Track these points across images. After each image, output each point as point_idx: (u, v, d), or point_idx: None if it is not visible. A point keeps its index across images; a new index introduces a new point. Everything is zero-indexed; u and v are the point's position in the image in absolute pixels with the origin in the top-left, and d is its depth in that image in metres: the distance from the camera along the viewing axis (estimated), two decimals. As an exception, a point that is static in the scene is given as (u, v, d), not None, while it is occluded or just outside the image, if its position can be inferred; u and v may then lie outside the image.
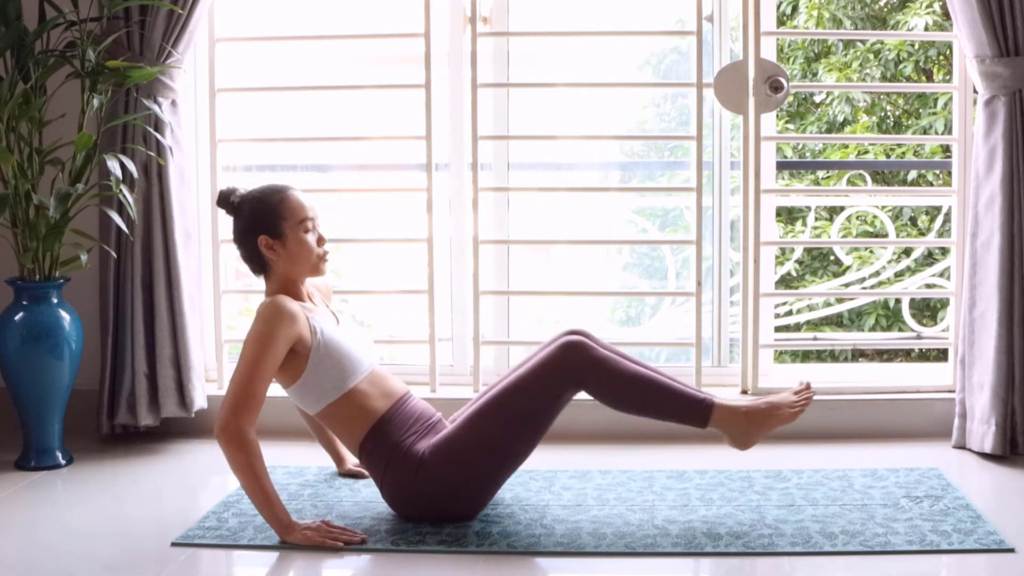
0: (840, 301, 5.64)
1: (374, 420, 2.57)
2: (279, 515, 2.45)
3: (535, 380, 2.55)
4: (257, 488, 2.43)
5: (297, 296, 2.61)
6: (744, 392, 3.41)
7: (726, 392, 3.44)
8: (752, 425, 2.56)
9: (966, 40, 3.12)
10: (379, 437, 2.56)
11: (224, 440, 2.41)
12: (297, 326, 2.49)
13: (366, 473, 2.80)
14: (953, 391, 3.28)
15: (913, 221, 6.82)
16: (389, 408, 2.59)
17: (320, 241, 2.62)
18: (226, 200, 2.64)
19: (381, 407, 2.58)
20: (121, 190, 3.03)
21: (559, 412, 2.60)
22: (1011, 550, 2.36)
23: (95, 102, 3.06)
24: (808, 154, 7.37)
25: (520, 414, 2.54)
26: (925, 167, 7.08)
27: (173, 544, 2.47)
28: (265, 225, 2.57)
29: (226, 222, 3.50)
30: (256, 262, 2.62)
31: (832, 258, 6.81)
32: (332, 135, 3.93)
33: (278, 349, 2.46)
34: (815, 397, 3.32)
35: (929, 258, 6.17)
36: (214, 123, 3.48)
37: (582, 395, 2.57)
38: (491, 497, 2.61)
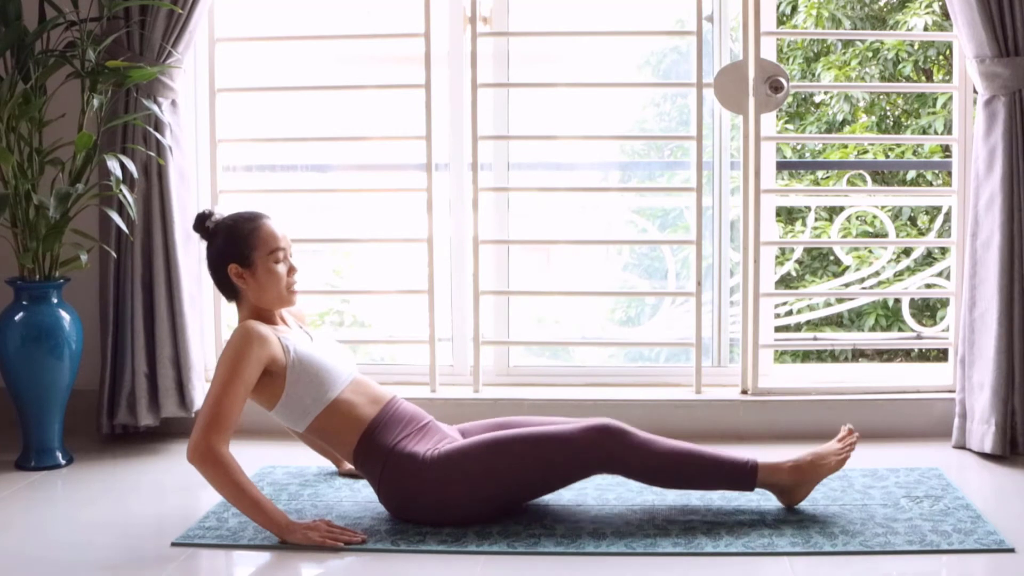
0: (840, 301, 5.64)
1: (364, 426, 2.57)
2: (274, 518, 2.44)
3: (567, 444, 2.53)
4: (243, 499, 2.43)
5: (269, 321, 2.62)
6: (744, 392, 3.41)
7: (724, 392, 3.45)
8: (799, 479, 2.59)
9: (966, 40, 3.12)
10: (372, 442, 2.56)
11: (197, 461, 2.43)
12: (268, 347, 2.50)
13: (365, 473, 2.81)
14: (953, 391, 3.28)
15: (913, 221, 6.82)
16: (378, 413, 2.59)
17: (291, 271, 2.62)
18: (201, 224, 2.65)
19: (370, 413, 2.59)
20: (121, 190, 3.03)
21: (576, 481, 2.62)
22: (1011, 550, 2.37)
23: (95, 102, 3.06)
24: (808, 154, 7.38)
25: (537, 468, 2.54)
26: (925, 167, 7.08)
27: (173, 544, 2.47)
28: (235, 254, 2.58)
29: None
30: (227, 289, 2.63)
31: (832, 258, 6.81)
32: (332, 135, 3.93)
33: (249, 370, 2.47)
34: (816, 398, 3.36)
35: (929, 258, 6.17)
36: (214, 123, 3.48)
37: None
38: (482, 521, 2.57)
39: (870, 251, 6.05)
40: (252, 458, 2.96)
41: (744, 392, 3.42)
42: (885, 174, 7.19)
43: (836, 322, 6.67)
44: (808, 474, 2.59)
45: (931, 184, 6.89)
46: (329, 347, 2.68)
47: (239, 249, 2.58)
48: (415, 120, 3.44)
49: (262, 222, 2.62)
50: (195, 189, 3.46)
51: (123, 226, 3.14)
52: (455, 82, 3.55)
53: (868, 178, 5.29)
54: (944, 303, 5.88)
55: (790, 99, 7.17)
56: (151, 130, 3.23)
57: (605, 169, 4.56)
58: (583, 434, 2.53)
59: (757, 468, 2.56)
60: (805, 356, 5.97)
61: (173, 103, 3.30)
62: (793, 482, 2.59)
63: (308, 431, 2.60)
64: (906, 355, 6.25)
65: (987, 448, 3.08)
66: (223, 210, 2.69)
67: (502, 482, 2.54)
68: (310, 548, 2.42)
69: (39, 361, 3.07)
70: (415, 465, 2.52)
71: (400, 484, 2.53)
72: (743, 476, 2.56)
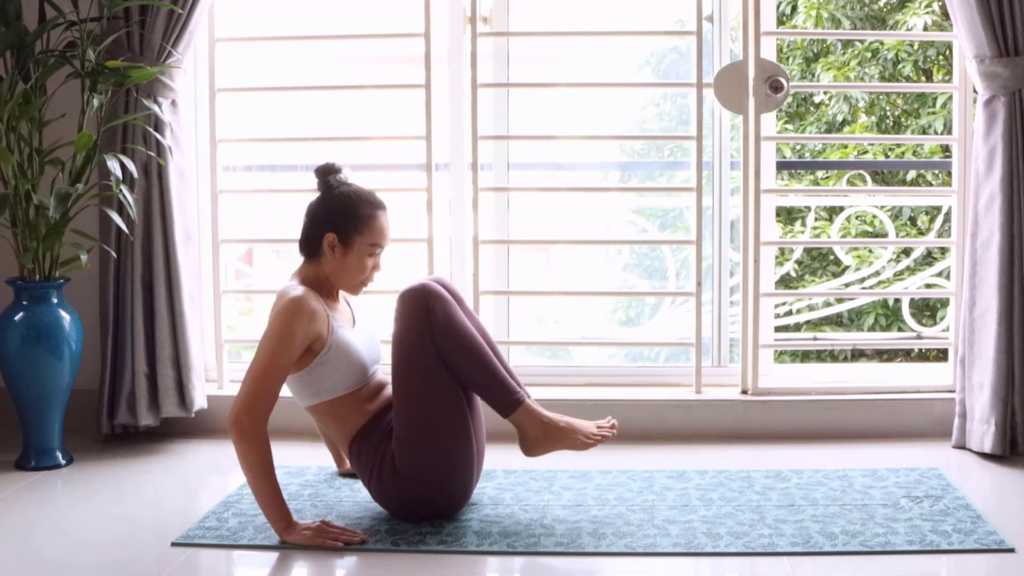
0: (840, 301, 5.64)
1: (363, 423, 2.58)
2: (282, 514, 2.45)
3: (403, 336, 2.51)
4: (264, 485, 2.43)
5: (326, 293, 2.61)
6: (744, 392, 3.41)
7: (724, 392, 3.45)
8: (547, 435, 2.56)
9: (965, 40, 3.12)
10: (367, 440, 2.57)
11: (236, 434, 2.41)
12: (317, 323, 2.50)
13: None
14: (953, 391, 3.28)
15: (913, 221, 6.82)
16: (378, 412, 2.60)
17: (375, 268, 2.63)
18: (326, 175, 2.62)
19: (371, 410, 2.60)
20: (121, 190, 3.03)
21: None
22: (1011, 550, 2.37)
23: (95, 102, 3.06)
24: (808, 154, 7.38)
25: (419, 373, 2.50)
26: (925, 167, 7.08)
27: (173, 544, 2.47)
28: (342, 226, 2.57)
29: (226, 222, 3.53)
30: (311, 246, 2.61)
31: (832, 258, 6.81)
32: (332, 135, 3.92)
33: (295, 346, 2.47)
34: (816, 398, 3.36)
35: (929, 258, 6.17)
36: (214, 123, 3.48)
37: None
38: (472, 467, 2.57)
39: (870, 251, 6.05)
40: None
41: (744, 392, 3.42)
42: (885, 174, 7.19)
43: (836, 322, 6.67)
44: (553, 437, 2.55)
45: (931, 184, 6.89)
46: (366, 341, 2.68)
47: (348, 225, 2.57)
48: (415, 120, 3.44)
49: (380, 213, 2.61)
50: (195, 189, 3.46)
51: (123, 226, 3.14)
52: (455, 82, 3.55)
53: (868, 178, 5.29)
54: (944, 303, 5.89)
55: (790, 99, 7.17)
56: (151, 130, 3.23)
57: (605, 169, 4.56)
58: (401, 310, 2.51)
59: (522, 404, 2.53)
60: (805, 356, 5.97)
61: (173, 103, 3.30)
62: (538, 436, 2.55)
63: (309, 409, 2.62)
64: (906, 355, 6.25)
65: (987, 448, 3.08)
66: (349, 175, 2.65)
67: (435, 415, 2.50)
68: (310, 548, 2.42)
69: (39, 361, 3.07)
70: (391, 467, 2.53)
71: (387, 487, 2.55)
72: (507, 402, 2.52)
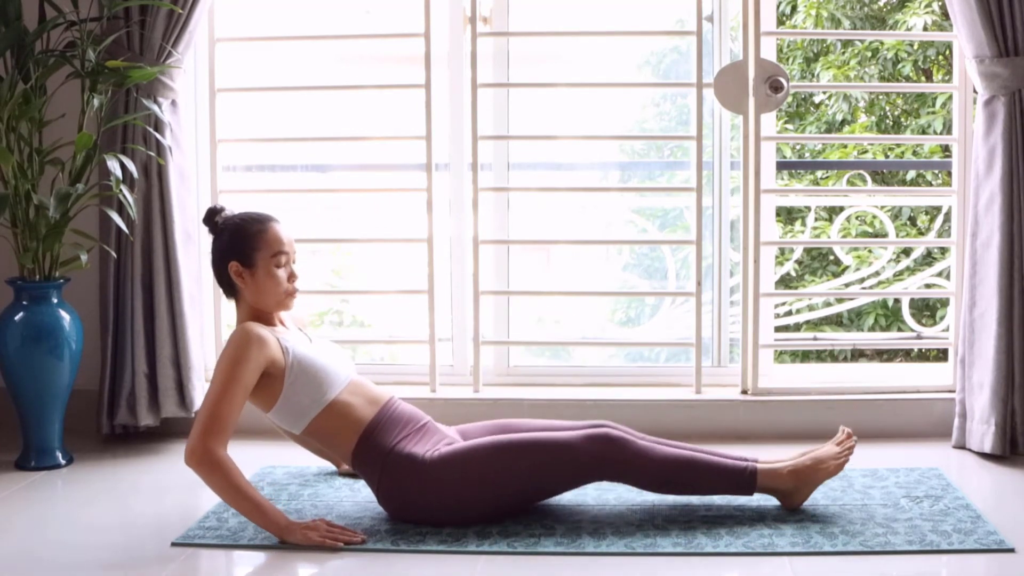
0: (840, 301, 5.64)
1: (362, 427, 2.57)
2: (274, 519, 2.44)
3: (564, 449, 2.53)
4: (242, 501, 2.43)
5: (267, 323, 2.62)
6: (744, 392, 3.41)
7: (724, 392, 3.45)
8: (798, 483, 2.59)
9: (965, 40, 3.12)
10: (370, 443, 2.56)
11: (194, 464, 2.43)
12: (267, 349, 2.50)
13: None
14: (953, 391, 3.28)
15: (913, 221, 6.82)
16: (376, 414, 2.59)
17: (291, 277, 2.62)
18: (211, 218, 2.65)
19: (368, 414, 2.59)
20: (121, 190, 3.03)
21: (573, 488, 2.64)
22: (1011, 550, 2.37)
23: (95, 102, 3.06)
24: (808, 154, 7.37)
25: (536, 474, 2.55)
26: (924, 167, 7.08)
27: (173, 544, 2.47)
28: (239, 252, 2.59)
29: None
30: (226, 286, 2.64)
31: (832, 258, 6.81)
32: (332, 135, 3.93)
33: (248, 374, 2.47)
34: (816, 398, 3.36)
35: (929, 258, 6.17)
36: (214, 123, 3.48)
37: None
38: (482, 522, 2.57)
39: (870, 251, 6.05)
40: (252, 458, 2.96)
41: (744, 392, 3.42)
42: (885, 174, 7.19)
43: (836, 322, 6.67)
44: (807, 477, 2.59)
45: (931, 184, 6.89)
46: (327, 349, 2.69)
47: (243, 248, 2.59)
48: (415, 120, 3.44)
49: (270, 224, 2.62)
50: (195, 189, 3.46)
51: (123, 226, 3.14)
52: (455, 82, 3.55)
53: (868, 178, 5.29)
54: (944, 303, 5.88)
55: (790, 99, 7.17)
56: (151, 130, 3.23)
57: (605, 169, 4.56)
58: (584, 442, 2.53)
59: (756, 473, 2.57)
60: (805, 356, 5.97)
61: (173, 103, 3.30)
62: (792, 486, 2.59)
63: (305, 433, 2.60)
64: (906, 355, 6.25)
65: (987, 448, 3.08)
66: (234, 208, 2.69)
67: (501, 486, 2.54)
68: (310, 548, 2.42)
69: (39, 361, 3.07)
70: (414, 466, 2.52)
71: (399, 485, 2.53)
72: (743, 482, 2.57)
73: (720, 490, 2.60)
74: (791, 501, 2.61)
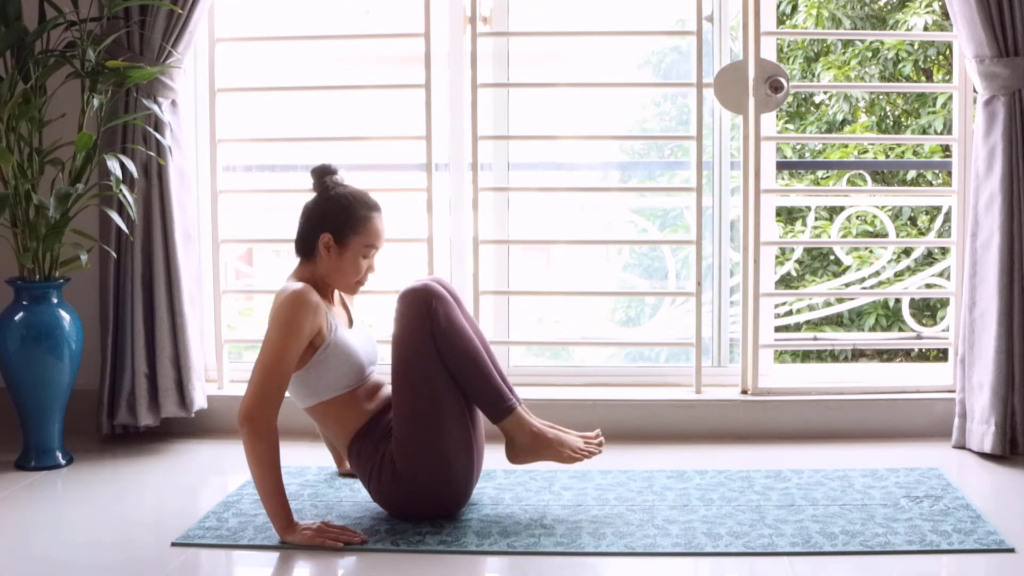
0: (840, 301, 5.63)
1: (362, 423, 2.58)
2: (284, 512, 2.45)
3: (404, 336, 2.52)
4: (270, 482, 2.43)
5: (321, 293, 2.61)
6: (744, 392, 3.41)
7: (724, 392, 3.45)
8: (535, 445, 2.57)
9: (965, 40, 3.12)
10: (366, 440, 2.57)
11: (248, 429, 2.41)
12: (319, 317, 2.51)
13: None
14: (953, 391, 3.28)
15: (913, 221, 6.82)
16: (376, 413, 2.60)
17: (369, 269, 2.63)
18: (322, 176, 2.63)
19: (370, 410, 2.60)
20: (121, 190, 3.03)
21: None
22: (1011, 550, 2.37)
23: (95, 102, 3.06)
24: (808, 154, 7.37)
25: (420, 372, 2.51)
26: (925, 167, 7.08)
27: (173, 544, 2.47)
28: (337, 227, 2.58)
29: (226, 222, 3.53)
30: (307, 247, 2.62)
31: (832, 258, 6.81)
32: (332, 135, 3.93)
33: (302, 338, 2.47)
34: (816, 398, 3.36)
35: (929, 258, 6.17)
36: (214, 123, 3.48)
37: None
38: (472, 465, 2.57)
39: (870, 251, 6.05)
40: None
41: (744, 392, 3.42)
42: (885, 174, 7.19)
43: (836, 322, 6.67)
44: (540, 447, 2.57)
45: (931, 184, 6.89)
46: (363, 339, 2.68)
47: (344, 226, 2.57)
48: (415, 120, 3.44)
49: (376, 215, 2.62)
50: (195, 189, 3.46)
51: (123, 226, 3.14)
52: (455, 82, 3.55)
53: (868, 178, 5.29)
54: (944, 303, 5.88)
55: (790, 99, 7.17)
56: (151, 130, 3.23)
57: (605, 169, 4.56)
58: (401, 310, 2.52)
59: (512, 412, 2.54)
60: (805, 356, 5.97)
61: (173, 103, 3.30)
62: (523, 444, 2.56)
63: (310, 411, 2.62)
64: (906, 355, 6.25)
65: (987, 448, 3.08)
66: (346, 178, 2.66)
67: (431, 415, 2.50)
68: (310, 548, 2.42)
69: (39, 361, 3.07)
70: (391, 467, 2.53)
71: (387, 488, 2.55)
72: (499, 409, 2.54)
73: (479, 398, 2.54)
74: (514, 456, 2.59)
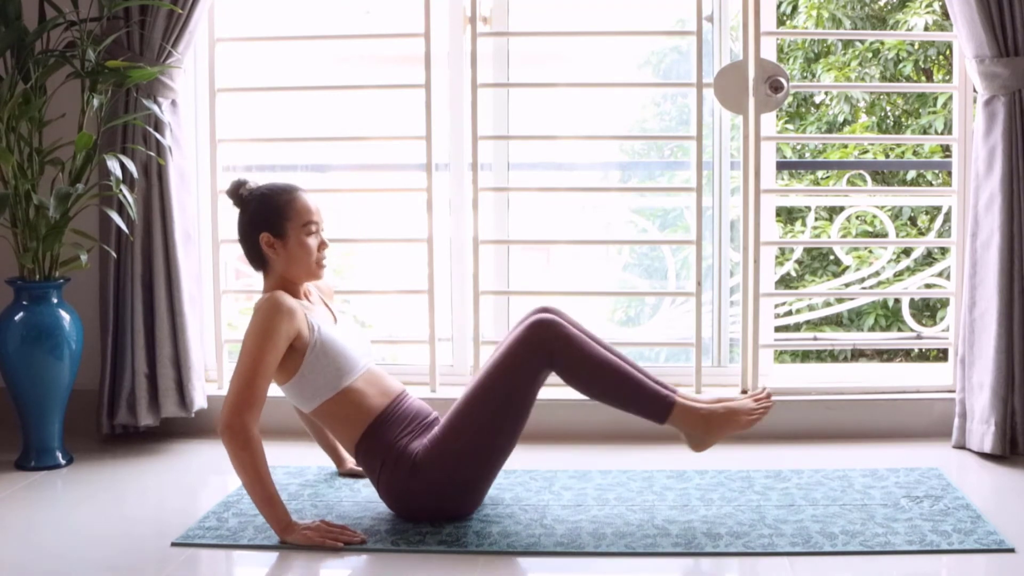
0: (840, 301, 5.64)
1: (370, 419, 2.57)
2: (279, 515, 2.45)
3: (509, 364, 2.54)
4: (259, 487, 2.43)
5: (294, 295, 2.61)
6: (744, 392, 3.41)
7: (723, 392, 3.45)
8: (710, 428, 2.57)
9: (965, 40, 3.12)
10: (375, 436, 2.56)
11: (228, 438, 2.41)
12: (296, 321, 2.49)
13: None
14: (953, 391, 3.28)
15: (913, 221, 6.82)
16: (385, 407, 2.59)
17: (322, 246, 2.62)
18: (235, 191, 2.63)
19: (377, 406, 2.59)
20: (121, 190, 3.03)
21: (536, 393, 2.58)
22: (1011, 550, 2.37)
23: (95, 102, 3.06)
24: (808, 154, 7.38)
25: (500, 401, 2.53)
26: (925, 167, 7.08)
27: (173, 544, 2.47)
28: (269, 223, 2.58)
29: (227, 222, 3.52)
30: (256, 258, 2.62)
31: (832, 258, 6.81)
32: (332, 135, 3.93)
33: (279, 344, 2.46)
34: (816, 398, 3.36)
35: (929, 258, 6.17)
36: (214, 123, 3.48)
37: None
38: (485, 492, 2.61)
39: (870, 251, 6.05)
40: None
41: (744, 392, 3.41)
42: (885, 174, 7.19)
43: (836, 322, 6.67)
44: (716, 426, 2.57)
45: (931, 184, 6.89)
46: (352, 333, 2.68)
47: (273, 219, 2.57)
48: (415, 120, 3.44)
49: (298, 194, 2.61)
50: (195, 189, 3.46)
51: (123, 226, 3.14)
52: (455, 82, 3.55)
53: (868, 178, 5.29)
54: (944, 303, 5.88)
55: (790, 99, 7.17)
56: (151, 130, 3.23)
57: (605, 169, 4.56)
58: (522, 335, 2.54)
59: (674, 406, 2.55)
60: (805, 356, 5.97)
61: (173, 103, 3.30)
62: (703, 430, 2.57)
63: (314, 414, 2.61)
64: (906, 355, 6.25)
65: (987, 448, 3.08)
66: (256, 180, 2.67)
67: (487, 436, 2.53)
68: (310, 548, 2.42)
69: (39, 361, 3.07)
70: (410, 463, 2.52)
71: (398, 483, 2.54)
72: (659, 409, 2.55)
73: (635, 409, 2.57)
74: (697, 445, 2.60)
